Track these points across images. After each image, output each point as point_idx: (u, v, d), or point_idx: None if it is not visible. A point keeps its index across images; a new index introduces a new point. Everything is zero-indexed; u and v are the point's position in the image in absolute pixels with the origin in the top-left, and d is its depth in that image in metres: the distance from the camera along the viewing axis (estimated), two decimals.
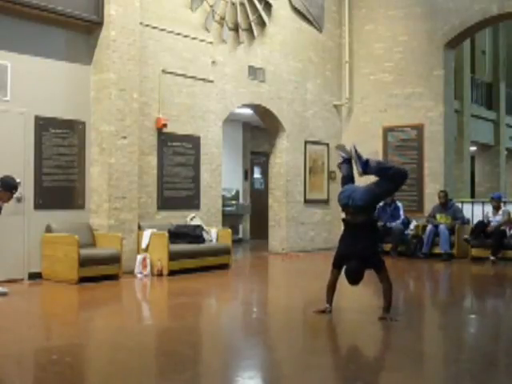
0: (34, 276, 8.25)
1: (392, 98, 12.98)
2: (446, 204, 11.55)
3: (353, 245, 5.80)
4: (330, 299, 6.00)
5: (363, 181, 6.34)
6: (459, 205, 11.94)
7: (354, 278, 5.81)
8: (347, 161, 6.31)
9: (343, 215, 6.10)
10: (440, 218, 11.45)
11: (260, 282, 9.28)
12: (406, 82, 12.82)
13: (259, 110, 12.13)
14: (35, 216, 8.34)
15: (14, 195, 7.18)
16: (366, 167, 5.87)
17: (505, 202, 11.44)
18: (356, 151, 5.97)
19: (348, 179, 6.28)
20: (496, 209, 11.12)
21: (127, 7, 8.97)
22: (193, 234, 9.46)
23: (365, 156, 6.00)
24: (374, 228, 6.05)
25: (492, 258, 10.58)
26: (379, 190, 5.88)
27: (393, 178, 5.86)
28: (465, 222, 11.54)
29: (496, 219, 10.97)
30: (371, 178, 6.05)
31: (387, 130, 13.06)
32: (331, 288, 6.00)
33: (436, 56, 12.52)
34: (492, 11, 11.94)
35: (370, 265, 5.80)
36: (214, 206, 10.77)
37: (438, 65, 12.51)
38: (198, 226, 9.72)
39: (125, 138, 8.92)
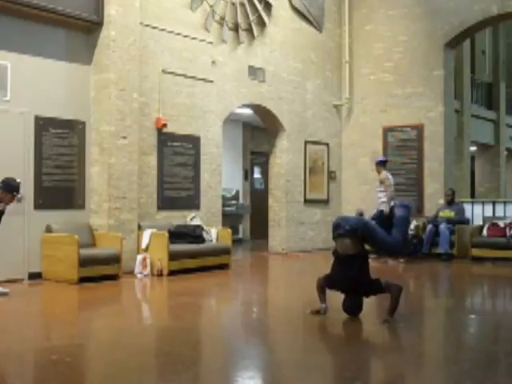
0: (34, 276, 8.25)
1: (392, 98, 12.98)
2: (452, 202, 11.54)
3: (344, 276, 5.70)
4: (323, 299, 5.95)
5: None
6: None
7: (354, 314, 5.81)
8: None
9: (334, 247, 5.97)
10: (443, 213, 11.46)
11: (260, 282, 9.28)
12: (406, 82, 12.82)
13: (259, 110, 12.12)
14: (35, 216, 8.34)
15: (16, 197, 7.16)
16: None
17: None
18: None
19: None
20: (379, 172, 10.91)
21: (127, 7, 8.98)
22: (193, 234, 9.45)
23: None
24: (364, 259, 5.85)
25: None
26: (370, 236, 5.82)
27: (384, 245, 6.01)
28: (464, 221, 11.52)
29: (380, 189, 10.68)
30: None
31: (387, 130, 13.06)
32: (320, 288, 5.95)
33: (436, 56, 12.52)
34: (492, 11, 11.94)
35: (369, 294, 5.77)
36: (214, 206, 10.77)
37: (438, 65, 12.51)
38: (198, 226, 9.71)
39: (125, 137, 8.92)
